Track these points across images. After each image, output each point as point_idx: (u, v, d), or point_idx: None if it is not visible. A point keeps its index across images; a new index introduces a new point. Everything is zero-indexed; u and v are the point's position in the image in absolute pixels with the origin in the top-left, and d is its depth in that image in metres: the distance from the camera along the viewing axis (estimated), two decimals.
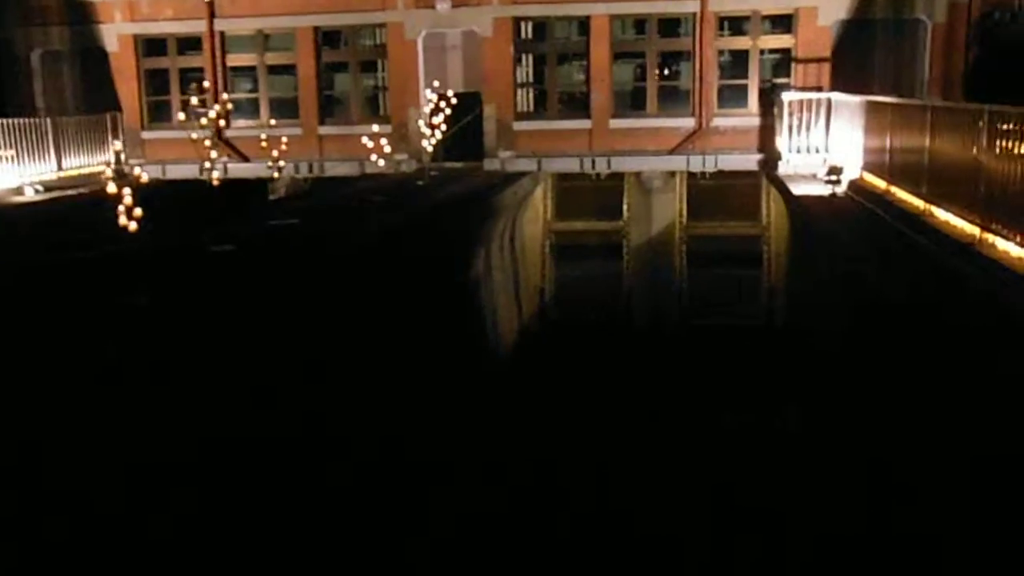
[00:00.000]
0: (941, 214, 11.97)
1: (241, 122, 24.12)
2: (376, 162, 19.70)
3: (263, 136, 18.41)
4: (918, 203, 12.91)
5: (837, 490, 7.20)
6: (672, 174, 22.85)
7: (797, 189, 17.17)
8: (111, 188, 11.56)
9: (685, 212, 23.17)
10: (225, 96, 19.95)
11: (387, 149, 20.76)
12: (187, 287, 10.19)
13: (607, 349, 12.64)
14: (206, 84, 22.17)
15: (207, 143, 14.93)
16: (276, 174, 16.16)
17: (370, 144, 19.61)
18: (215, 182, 14.39)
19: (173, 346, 8.57)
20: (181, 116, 18.67)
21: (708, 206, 23.00)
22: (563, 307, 22.43)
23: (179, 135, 24.25)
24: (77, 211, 17.57)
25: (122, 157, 24.11)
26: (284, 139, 17.91)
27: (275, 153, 16.74)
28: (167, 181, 23.27)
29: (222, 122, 16.82)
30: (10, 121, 20.71)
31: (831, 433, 8.37)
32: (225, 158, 23.84)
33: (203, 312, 9.35)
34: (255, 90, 24.85)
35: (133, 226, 10.49)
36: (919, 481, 7.05)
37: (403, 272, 12.23)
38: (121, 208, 10.49)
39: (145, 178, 13.92)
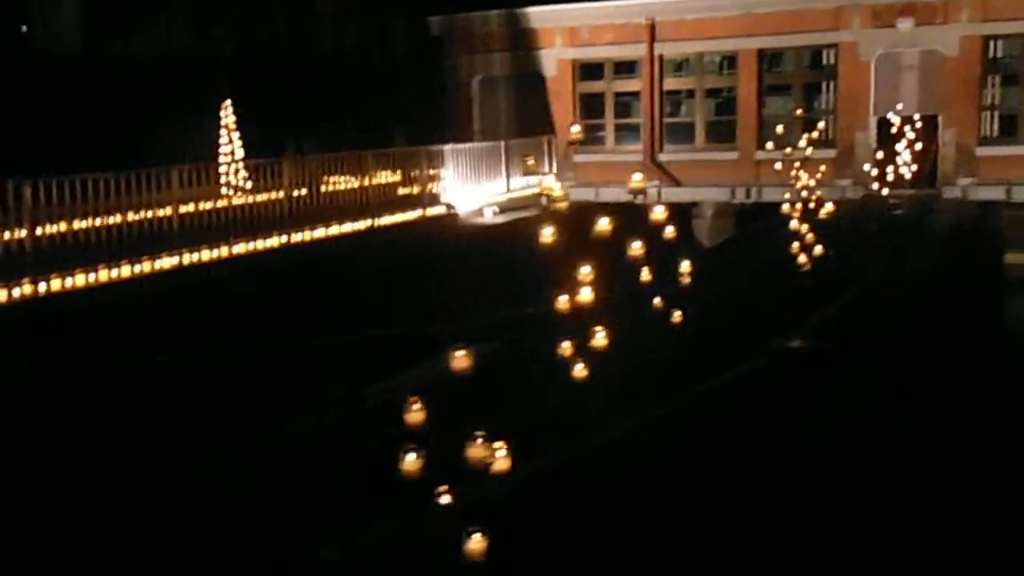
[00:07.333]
0: None
1: (671, 146, 24.11)
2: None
3: (795, 161, 16.96)
4: None
5: None
6: None
7: None
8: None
9: None
10: None
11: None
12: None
13: None
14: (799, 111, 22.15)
15: (796, 164, 14.54)
16: (820, 205, 15.66)
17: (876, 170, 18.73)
18: (819, 206, 14.04)
19: None
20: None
21: None
22: None
23: (610, 158, 24.67)
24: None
25: (553, 179, 24.75)
26: (822, 166, 17.33)
27: (808, 178, 16.23)
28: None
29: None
30: (475, 145, 21.78)
31: None
32: (656, 182, 23.91)
33: None
34: (676, 113, 24.86)
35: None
36: None
37: None
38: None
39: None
